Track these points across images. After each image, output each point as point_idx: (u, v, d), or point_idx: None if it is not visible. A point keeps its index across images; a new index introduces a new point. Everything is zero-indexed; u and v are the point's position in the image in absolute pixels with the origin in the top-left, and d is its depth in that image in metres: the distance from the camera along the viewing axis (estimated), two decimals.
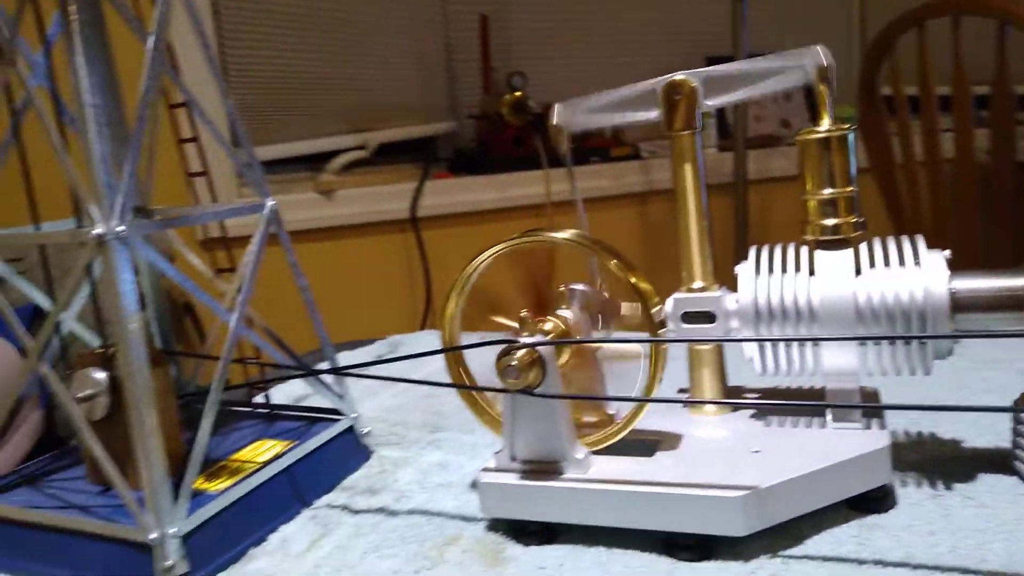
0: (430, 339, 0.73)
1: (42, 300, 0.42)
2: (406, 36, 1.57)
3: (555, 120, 0.39)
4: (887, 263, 0.35)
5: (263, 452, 0.43)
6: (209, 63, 0.40)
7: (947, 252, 0.34)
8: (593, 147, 1.59)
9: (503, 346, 0.33)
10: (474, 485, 0.42)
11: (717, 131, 1.66)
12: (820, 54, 0.34)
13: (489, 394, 0.39)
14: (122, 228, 0.33)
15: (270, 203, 0.42)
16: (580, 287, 0.40)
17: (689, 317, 0.38)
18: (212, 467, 0.42)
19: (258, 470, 0.41)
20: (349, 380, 0.47)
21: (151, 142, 0.39)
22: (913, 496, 0.37)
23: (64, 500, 0.39)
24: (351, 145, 1.51)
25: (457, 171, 1.57)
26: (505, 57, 1.61)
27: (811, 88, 0.36)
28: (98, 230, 0.33)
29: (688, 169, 0.37)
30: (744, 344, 0.37)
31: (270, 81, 1.42)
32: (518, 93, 1.47)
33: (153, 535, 0.34)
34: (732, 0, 1.38)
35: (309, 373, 0.43)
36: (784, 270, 0.36)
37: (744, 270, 0.37)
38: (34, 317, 0.93)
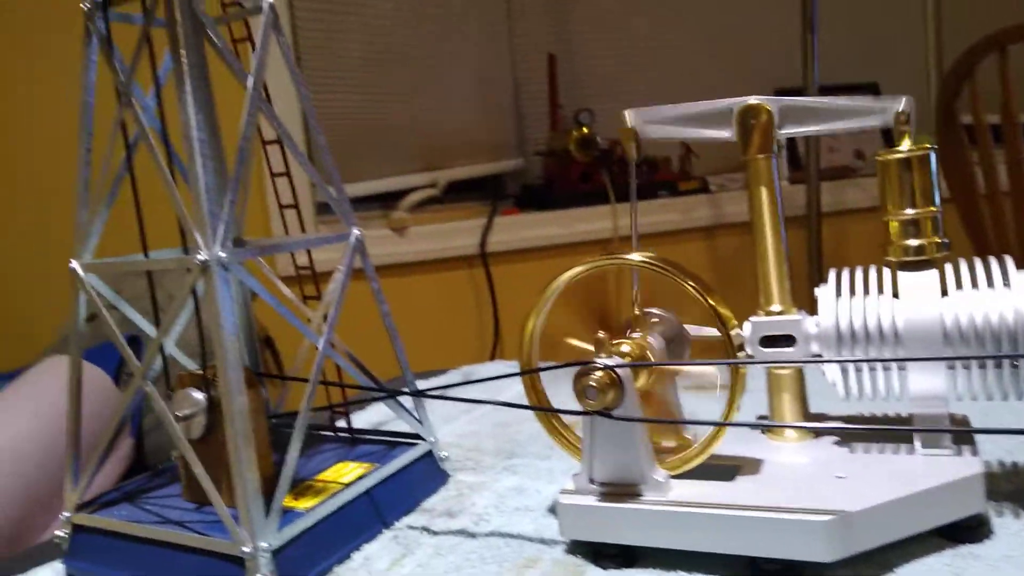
0: (501, 369, 0.74)
1: (146, 326, 0.45)
2: (475, 76, 1.62)
3: (627, 123, 0.40)
4: (975, 284, 0.34)
5: (346, 473, 0.45)
6: (303, 102, 0.43)
7: None
8: (661, 181, 1.59)
9: (581, 368, 0.34)
10: (552, 509, 0.42)
11: (788, 162, 1.65)
12: (903, 101, 0.35)
13: (566, 418, 0.40)
14: (224, 254, 0.36)
15: (356, 232, 0.44)
16: (657, 311, 0.40)
17: (768, 341, 0.37)
18: (298, 486, 0.43)
19: (342, 490, 0.42)
20: (427, 406, 0.48)
21: (247, 176, 0.42)
22: (1011, 526, 0.35)
23: (162, 515, 0.41)
24: (422, 183, 1.55)
25: (524, 207, 1.59)
26: (572, 95, 1.64)
27: (888, 130, 0.36)
28: (202, 256, 0.35)
29: (764, 192, 0.37)
30: (826, 368, 0.37)
31: (345, 122, 1.48)
32: (585, 130, 1.49)
33: (247, 549, 0.36)
34: (803, 31, 1.37)
35: (391, 394, 0.44)
36: (866, 292, 0.36)
37: (824, 292, 0.36)
38: (128, 346, 0.98)
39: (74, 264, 0.40)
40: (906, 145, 0.35)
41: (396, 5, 1.49)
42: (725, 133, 0.38)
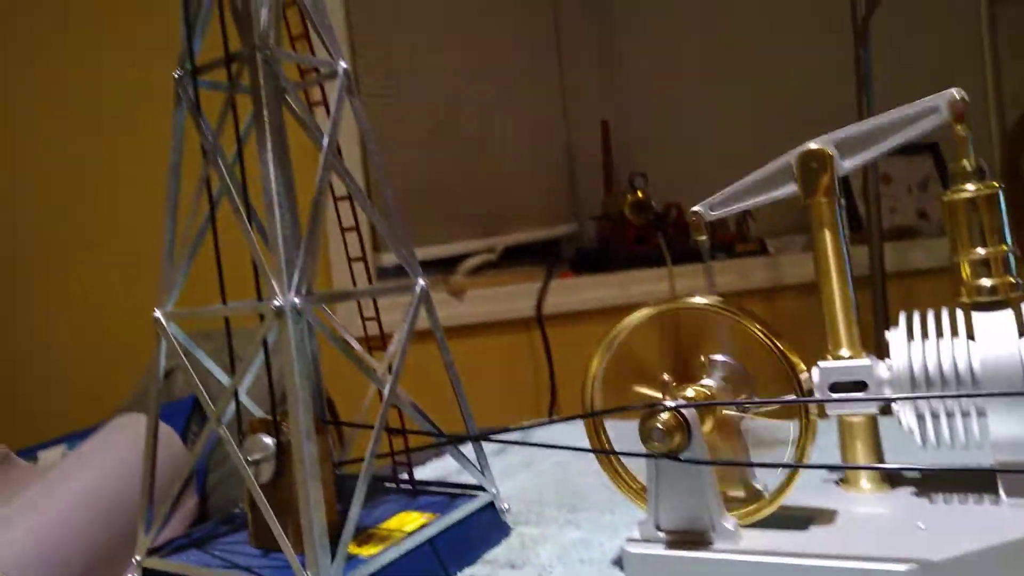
0: (559, 427, 0.74)
1: (220, 374, 0.46)
2: (531, 143, 1.66)
3: (695, 209, 0.41)
4: None
5: (409, 523, 0.45)
6: (372, 157, 0.45)
7: None
8: (718, 243, 1.59)
9: (646, 410, 0.34)
10: (616, 562, 0.41)
11: (849, 223, 1.62)
12: (954, 92, 0.34)
13: (631, 466, 0.39)
14: (298, 301, 0.37)
15: (421, 283, 0.46)
16: (721, 358, 0.40)
17: (838, 388, 0.37)
18: (362, 534, 0.43)
19: (405, 539, 0.42)
20: (487, 461, 0.48)
21: (319, 228, 0.43)
22: None
23: (230, 560, 0.42)
24: (480, 248, 1.58)
25: (580, 270, 1.60)
26: (625, 160, 1.66)
27: (937, 150, 0.36)
28: (278, 302, 0.37)
29: (828, 234, 0.37)
30: (902, 415, 0.36)
31: (404, 189, 1.53)
32: (639, 193, 1.51)
33: None
34: (856, 88, 1.38)
35: (453, 440, 0.44)
36: (939, 334, 0.35)
37: (895, 336, 0.36)
38: (194, 407, 1.00)
39: (157, 313, 0.42)
40: (972, 186, 0.34)
41: (456, 75, 1.55)
42: (789, 189, 0.38)
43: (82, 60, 1.24)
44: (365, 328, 0.49)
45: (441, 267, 1.57)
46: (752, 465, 0.36)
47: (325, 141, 0.41)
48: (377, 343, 0.49)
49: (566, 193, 1.72)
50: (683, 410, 0.33)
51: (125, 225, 1.24)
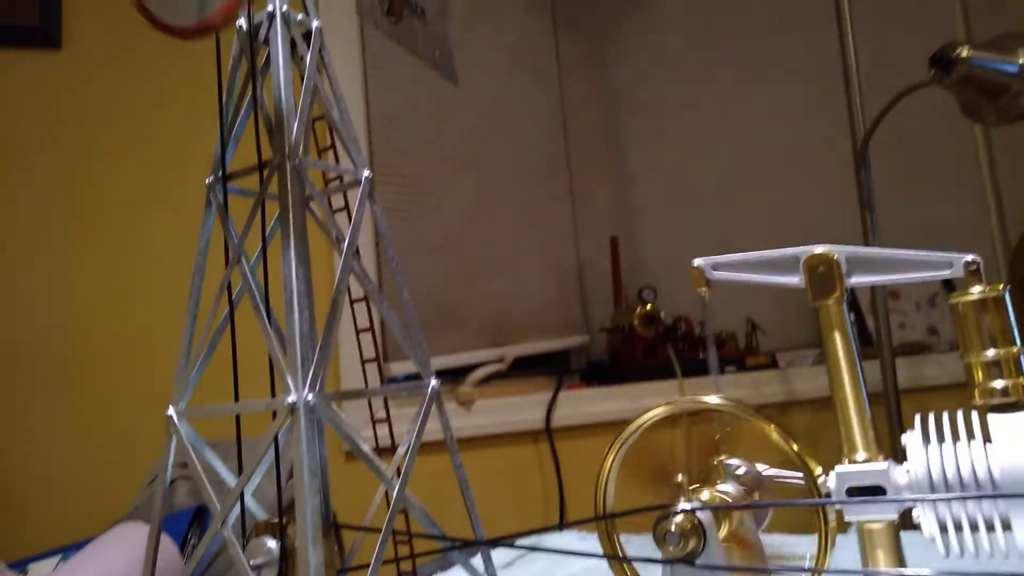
0: (569, 538, 0.72)
1: (227, 475, 0.46)
2: (542, 257, 1.69)
3: (695, 263, 0.41)
4: None
5: None
6: (391, 263, 0.46)
7: None
8: (728, 357, 1.59)
9: (660, 513, 0.33)
10: None
11: (859, 339, 1.62)
12: (970, 258, 0.36)
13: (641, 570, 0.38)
14: (311, 397, 0.37)
15: (434, 382, 0.46)
16: (736, 462, 0.39)
17: (855, 492, 0.36)
18: None
19: None
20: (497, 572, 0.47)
21: (335, 327, 0.44)
22: None
23: None
24: (489, 359, 1.58)
25: (590, 382, 1.59)
26: (634, 275, 1.69)
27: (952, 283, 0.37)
28: (291, 398, 0.37)
29: (838, 336, 0.37)
30: (923, 523, 0.35)
31: (416, 298, 1.55)
32: (649, 306, 1.52)
33: None
34: (860, 208, 1.41)
35: (463, 544, 0.43)
36: (955, 437, 0.34)
37: (912, 439, 0.35)
38: (193, 519, 0.98)
39: (170, 411, 0.42)
40: (978, 288, 0.35)
41: (473, 190, 1.60)
42: (793, 279, 0.39)
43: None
44: (375, 429, 0.48)
45: (450, 377, 1.56)
46: (770, 571, 0.35)
47: (346, 244, 0.43)
48: (386, 448, 0.48)
49: (577, 305, 1.74)
50: (698, 513, 0.32)
51: (122, 343, 1.25)
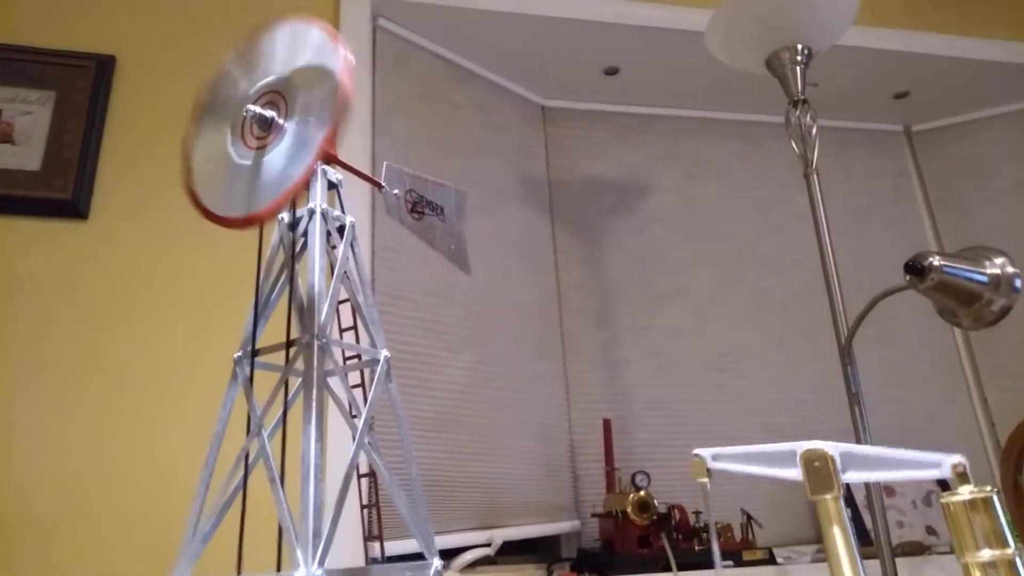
0: None
1: None
2: (534, 438, 1.69)
3: (697, 452, 0.43)
4: None
5: None
6: (404, 442, 0.48)
7: None
8: (725, 550, 1.54)
9: None
10: None
11: (857, 538, 1.59)
12: (957, 458, 0.38)
13: None
14: (320, 572, 0.38)
15: (437, 563, 0.46)
16: None
17: None
18: None
19: None
20: None
21: (344, 502, 0.45)
22: None
23: None
24: (478, 542, 1.53)
25: (580, 571, 1.53)
26: (627, 459, 1.68)
27: (945, 483, 0.39)
28: (300, 573, 0.37)
29: (837, 531, 0.39)
30: None
31: (404, 474, 1.53)
32: (642, 492, 1.50)
33: None
34: (848, 402, 1.44)
35: None
36: None
37: None
38: None
39: None
40: (967, 489, 0.37)
41: (467, 369, 1.63)
42: (791, 473, 0.40)
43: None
44: None
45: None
46: None
47: (361, 421, 0.45)
48: None
49: (569, 489, 1.72)
50: None
51: (120, 511, 1.22)
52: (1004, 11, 2.08)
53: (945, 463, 0.39)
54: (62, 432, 1.25)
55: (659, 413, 1.80)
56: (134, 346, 1.32)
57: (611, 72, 1.92)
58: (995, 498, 0.36)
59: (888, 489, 1.77)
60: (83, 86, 1.49)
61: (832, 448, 0.40)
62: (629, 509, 1.49)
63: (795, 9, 1.26)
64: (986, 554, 0.35)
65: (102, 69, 1.49)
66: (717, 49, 1.35)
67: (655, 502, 1.50)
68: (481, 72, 1.85)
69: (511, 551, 1.56)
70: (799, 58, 1.29)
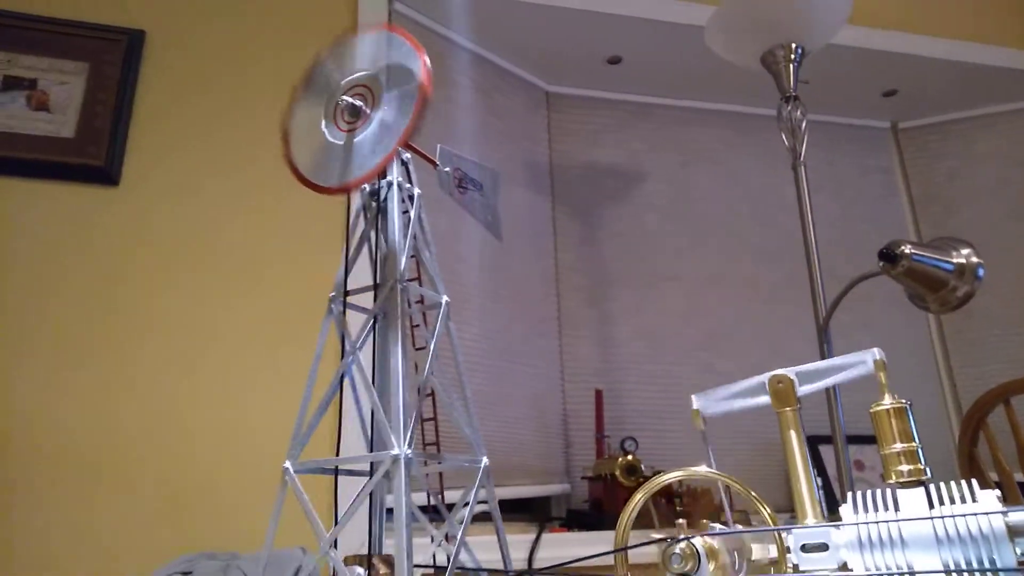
0: None
1: (320, 528, 0.57)
2: (530, 408, 1.81)
3: (694, 405, 0.56)
4: (952, 500, 0.46)
5: None
6: (459, 368, 0.60)
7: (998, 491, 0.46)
8: (704, 513, 1.68)
9: (667, 541, 0.46)
10: None
11: (827, 505, 1.73)
12: (876, 352, 0.51)
13: None
14: (409, 451, 0.50)
15: (485, 460, 0.58)
16: (719, 526, 0.52)
17: (807, 548, 0.49)
18: None
19: None
20: None
21: (423, 401, 0.58)
22: None
23: None
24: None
25: (570, 528, 1.66)
26: (617, 427, 1.81)
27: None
28: (395, 451, 0.50)
29: (793, 435, 0.52)
30: (855, 570, 0.47)
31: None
32: (630, 456, 1.64)
33: None
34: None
35: (499, 573, 0.54)
36: (876, 508, 0.48)
37: (846, 509, 0.49)
38: None
39: (287, 464, 0.54)
40: (888, 399, 0.50)
41: (470, 343, 1.75)
42: (763, 399, 0.54)
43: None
44: (429, 497, 0.60)
45: (435, 512, 1.63)
46: None
47: (430, 350, 0.57)
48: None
49: (561, 454, 1.84)
50: (694, 542, 0.45)
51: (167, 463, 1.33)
52: (991, 17, 2.21)
53: (868, 360, 0.52)
54: (88, 386, 1.34)
55: (649, 387, 1.93)
56: (159, 308, 1.41)
57: (614, 61, 2.03)
58: (908, 409, 0.49)
59: (858, 463, 1.92)
60: (115, 59, 1.57)
61: (790, 372, 0.53)
62: (618, 472, 1.63)
63: (791, 10, 1.37)
64: (898, 446, 0.48)
65: (133, 43, 1.57)
66: (716, 44, 1.46)
67: (642, 466, 1.63)
68: (489, 57, 1.95)
69: (506, 509, 1.68)
70: (793, 56, 1.41)
